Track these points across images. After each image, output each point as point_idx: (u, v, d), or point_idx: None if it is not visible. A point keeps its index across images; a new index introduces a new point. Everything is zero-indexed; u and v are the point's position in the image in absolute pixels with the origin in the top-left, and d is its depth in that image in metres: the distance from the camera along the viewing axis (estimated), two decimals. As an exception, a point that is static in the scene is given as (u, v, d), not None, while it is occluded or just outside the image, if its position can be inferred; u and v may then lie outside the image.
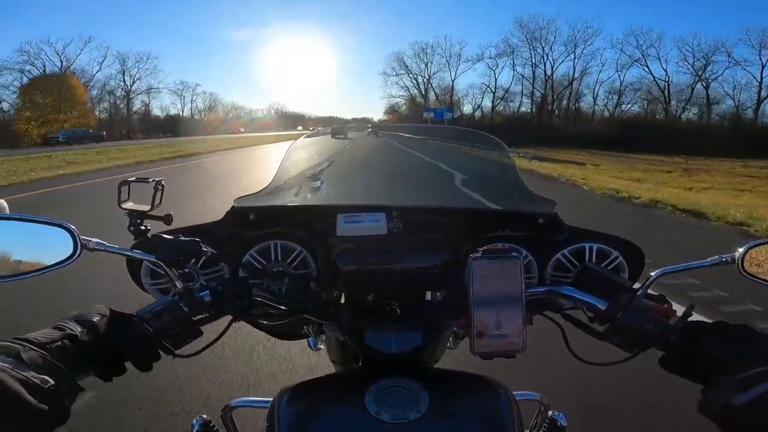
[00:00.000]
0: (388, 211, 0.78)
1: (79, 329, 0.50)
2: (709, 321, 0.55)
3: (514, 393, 0.62)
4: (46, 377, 0.42)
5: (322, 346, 0.96)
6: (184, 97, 58.49)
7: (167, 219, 0.74)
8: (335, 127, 1.65)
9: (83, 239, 0.59)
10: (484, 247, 0.60)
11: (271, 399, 0.62)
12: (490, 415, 0.59)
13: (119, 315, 0.56)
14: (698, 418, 0.49)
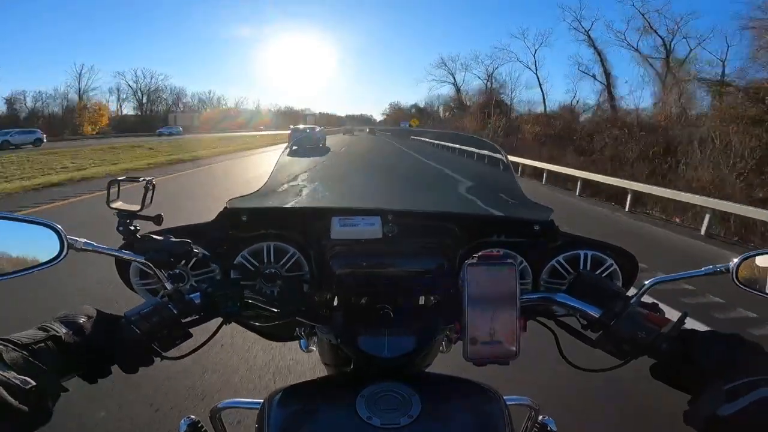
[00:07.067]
0: (384, 215, 0.77)
1: (64, 330, 0.49)
2: (702, 330, 0.55)
3: (504, 397, 0.62)
4: (27, 378, 0.42)
5: (313, 348, 0.95)
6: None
7: (157, 219, 0.73)
8: (346, 128, 1.83)
9: (70, 239, 0.57)
10: (480, 253, 0.59)
11: (261, 401, 0.62)
12: (482, 420, 0.58)
13: (106, 316, 0.55)
14: (687, 428, 0.48)
